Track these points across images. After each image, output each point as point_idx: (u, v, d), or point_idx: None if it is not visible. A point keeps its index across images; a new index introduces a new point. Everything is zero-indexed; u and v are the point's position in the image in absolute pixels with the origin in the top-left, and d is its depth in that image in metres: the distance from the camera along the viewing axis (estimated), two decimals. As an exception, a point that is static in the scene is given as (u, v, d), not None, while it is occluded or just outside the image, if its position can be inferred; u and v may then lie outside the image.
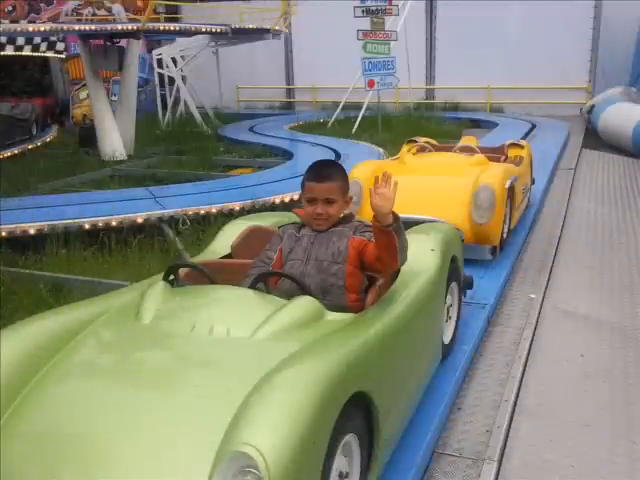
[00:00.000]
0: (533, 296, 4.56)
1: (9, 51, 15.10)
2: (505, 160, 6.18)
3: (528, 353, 3.72)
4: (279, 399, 1.79)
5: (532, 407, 3.18)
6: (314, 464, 1.81)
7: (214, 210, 6.21)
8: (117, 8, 15.63)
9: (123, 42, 11.41)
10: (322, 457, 1.84)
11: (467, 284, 3.90)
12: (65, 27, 10.48)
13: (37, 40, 15.34)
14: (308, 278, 2.60)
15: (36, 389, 2.06)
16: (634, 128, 10.32)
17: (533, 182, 6.84)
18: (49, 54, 15.76)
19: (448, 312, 3.53)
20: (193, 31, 12.75)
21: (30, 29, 11.03)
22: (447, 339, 3.48)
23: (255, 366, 2.00)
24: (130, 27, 10.69)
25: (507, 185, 5.12)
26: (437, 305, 3.19)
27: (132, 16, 15.96)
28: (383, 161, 7.58)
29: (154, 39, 16.66)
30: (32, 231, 5.69)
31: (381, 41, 12.23)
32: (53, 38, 14.82)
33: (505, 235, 5.26)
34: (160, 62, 14.74)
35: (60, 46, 15.81)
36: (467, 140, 6.66)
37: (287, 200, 6.55)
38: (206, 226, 5.86)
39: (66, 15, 15.17)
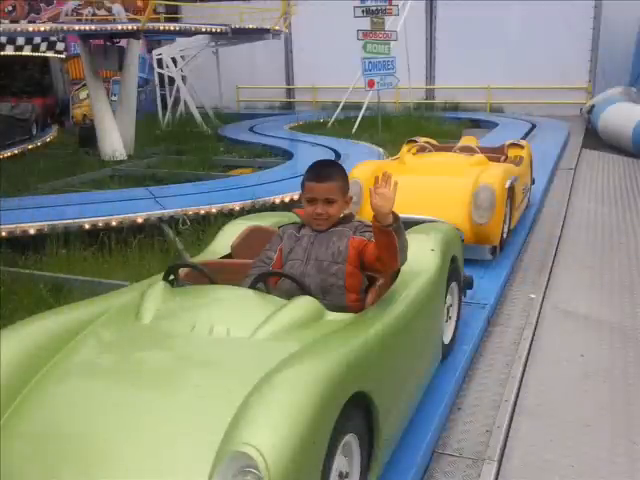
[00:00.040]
0: (533, 296, 4.56)
1: (9, 51, 15.10)
2: (505, 160, 6.18)
3: (528, 353, 3.72)
4: (279, 399, 1.79)
5: (532, 407, 3.18)
6: (314, 464, 1.81)
7: (214, 210, 6.21)
8: (117, 8, 15.63)
9: (123, 42, 11.41)
10: (322, 457, 1.84)
11: (467, 284, 3.90)
12: (65, 27, 10.48)
13: (37, 40, 15.34)
14: (308, 278, 2.60)
15: (36, 389, 2.06)
16: (634, 128, 10.32)
17: (533, 182, 6.84)
18: (49, 54, 15.76)
19: (448, 312, 3.53)
20: (193, 31, 12.75)
21: (30, 29, 11.03)
22: (447, 339, 3.48)
23: (255, 366, 2.00)
24: (130, 27, 10.70)
25: (507, 185, 5.12)
26: (437, 305, 3.19)
27: (132, 16, 15.96)
28: (383, 161, 7.58)
29: (154, 39, 16.66)
30: (32, 231, 5.69)
31: (381, 41, 12.23)
32: (53, 38, 14.83)
33: (505, 235, 5.26)
34: (160, 62, 14.74)
35: (60, 46, 15.81)
36: (467, 140, 6.66)
37: (287, 200, 6.55)
38: (206, 226, 5.86)
39: (66, 15, 15.18)
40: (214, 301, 2.41)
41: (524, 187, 6.10)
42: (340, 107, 13.74)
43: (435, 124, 13.19)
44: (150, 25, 11.07)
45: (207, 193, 7.04)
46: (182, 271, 2.76)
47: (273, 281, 2.64)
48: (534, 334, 3.96)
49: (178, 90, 14.76)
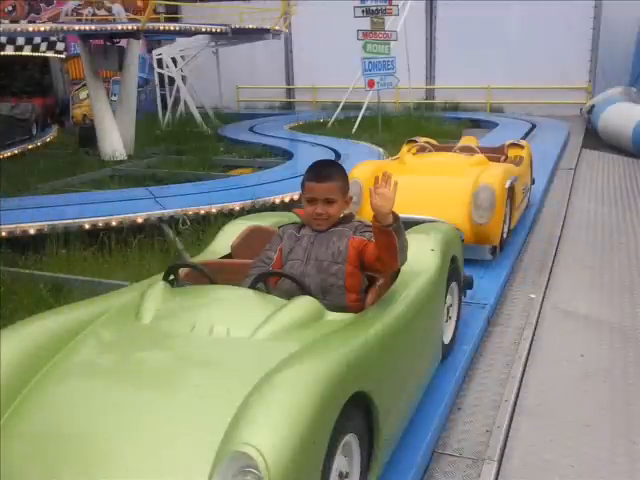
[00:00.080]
0: (533, 296, 4.56)
1: (9, 51, 15.10)
2: (505, 160, 6.18)
3: (528, 353, 3.72)
4: (279, 399, 1.79)
5: (532, 407, 3.18)
6: (314, 464, 1.81)
7: (214, 210, 6.21)
8: (117, 8, 15.63)
9: (123, 42, 11.41)
10: (322, 457, 1.84)
11: (467, 284, 3.90)
12: (65, 27, 10.48)
13: (37, 40, 15.34)
14: (308, 278, 2.60)
15: (36, 389, 2.06)
16: (634, 128, 10.32)
17: (533, 182, 6.84)
18: (49, 54, 15.76)
19: (448, 312, 3.53)
20: (193, 31, 12.75)
21: (30, 29, 11.03)
22: (447, 339, 3.48)
23: (255, 366, 2.00)
24: (130, 27, 10.70)
25: (507, 185, 5.12)
26: (437, 305, 3.19)
27: (132, 16, 15.96)
28: (383, 161, 7.58)
29: (154, 39, 16.66)
30: (32, 231, 5.69)
31: (381, 41, 12.23)
32: (53, 38, 14.83)
33: (505, 235, 5.26)
34: (160, 62, 14.74)
35: (60, 46, 15.81)
36: (467, 140, 6.66)
37: (287, 200, 6.55)
38: (206, 226, 5.86)
39: (66, 15, 15.18)
40: (214, 301, 2.41)
41: (524, 187, 6.10)
42: (340, 107, 13.74)
43: (435, 124, 13.19)
44: (150, 25, 11.07)
45: (207, 193, 7.04)
46: (182, 271, 2.76)
47: (273, 281, 2.64)
48: (534, 334, 3.96)
49: (178, 90, 14.76)
